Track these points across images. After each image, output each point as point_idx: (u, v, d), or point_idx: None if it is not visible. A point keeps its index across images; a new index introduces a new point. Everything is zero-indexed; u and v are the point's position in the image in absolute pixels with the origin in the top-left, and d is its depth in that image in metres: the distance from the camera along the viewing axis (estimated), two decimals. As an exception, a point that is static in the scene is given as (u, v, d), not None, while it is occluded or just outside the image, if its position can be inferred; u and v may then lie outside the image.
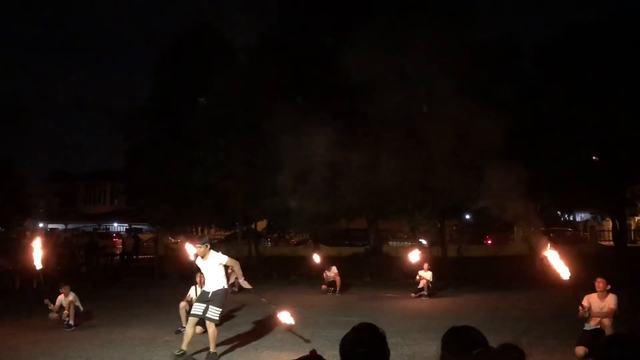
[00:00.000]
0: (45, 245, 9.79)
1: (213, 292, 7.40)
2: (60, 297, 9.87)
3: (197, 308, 7.46)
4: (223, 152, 18.99)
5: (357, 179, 17.32)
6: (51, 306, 9.77)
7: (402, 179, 17.09)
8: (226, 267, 7.80)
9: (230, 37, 21.37)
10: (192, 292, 9.42)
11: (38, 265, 9.78)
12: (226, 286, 7.70)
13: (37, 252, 9.69)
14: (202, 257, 7.48)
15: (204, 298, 7.49)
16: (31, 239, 10.93)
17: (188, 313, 9.02)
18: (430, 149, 16.50)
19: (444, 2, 17.29)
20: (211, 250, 7.54)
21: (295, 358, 2.19)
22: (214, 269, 7.50)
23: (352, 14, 17.39)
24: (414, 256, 14.88)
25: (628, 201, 20.47)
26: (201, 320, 7.62)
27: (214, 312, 7.30)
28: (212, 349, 7.32)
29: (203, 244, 7.55)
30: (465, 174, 16.29)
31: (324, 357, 2.25)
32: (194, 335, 7.47)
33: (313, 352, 2.22)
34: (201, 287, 8.50)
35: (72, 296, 9.86)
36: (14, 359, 7.37)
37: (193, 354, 7.39)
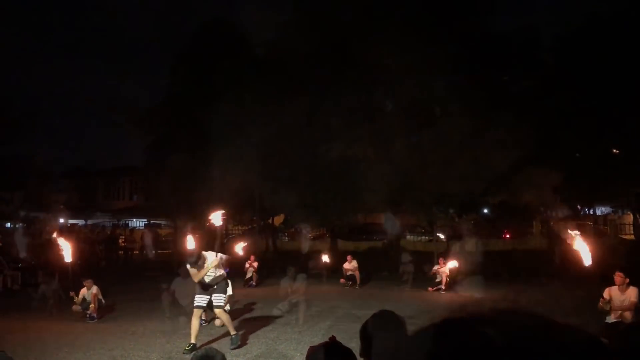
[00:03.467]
0: (69, 240, 10.02)
1: (216, 284, 7.62)
2: (83, 291, 10.04)
3: (201, 300, 7.55)
4: (241, 148, 19.07)
5: (374, 173, 17.29)
6: (76, 298, 9.94)
7: (419, 173, 17.03)
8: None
9: (248, 32, 21.42)
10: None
11: (68, 258, 9.97)
12: (225, 272, 7.92)
13: (67, 246, 9.91)
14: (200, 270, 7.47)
15: (206, 290, 7.58)
16: (53, 234, 11.11)
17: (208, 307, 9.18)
18: (447, 142, 16.43)
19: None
20: (206, 257, 7.53)
21: (314, 344, 2.22)
22: (213, 271, 7.62)
23: (370, 7, 17.31)
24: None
25: (649, 194, 20.13)
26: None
27: (219, 299, 7.53)
28: (232, 332, 7.56)
29: (194, 262, 7.42)
30: (483, 167, 16.20)
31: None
32: (199, 327, 7.61)
33: (332, 338, 2.25)
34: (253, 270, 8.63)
35: (95, 289, 10.03)
36: (40, 350, 7.52)
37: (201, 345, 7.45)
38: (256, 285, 15.11)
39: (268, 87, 18.98)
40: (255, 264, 15.65)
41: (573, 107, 16.75)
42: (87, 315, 9.76)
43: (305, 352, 2.38)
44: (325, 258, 16.54)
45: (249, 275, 15.34)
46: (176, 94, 21.34)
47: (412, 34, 15.84)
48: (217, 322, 9.00)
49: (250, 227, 27.44)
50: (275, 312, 8.83)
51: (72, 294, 9.98)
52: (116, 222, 31.01)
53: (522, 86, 18.33)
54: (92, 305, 9.81)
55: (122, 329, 8.92)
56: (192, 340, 7.33)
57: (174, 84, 22.10)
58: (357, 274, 14.88)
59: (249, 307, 11.13)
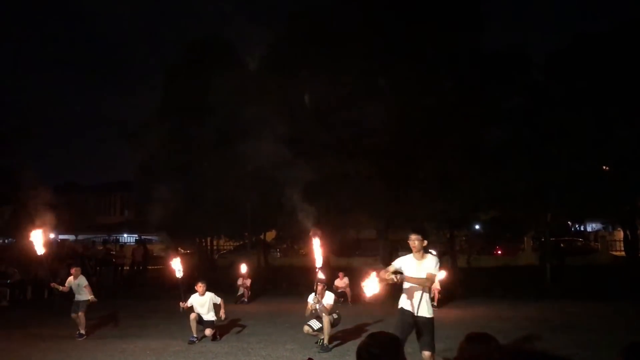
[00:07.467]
0: (56, 255, 9.85)
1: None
2: (70, 279, 9.86)
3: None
4: (232, 163, 19.04)
5: (366, 190, 17.29)
6: (60, 287, 9.79)
7: (411, 189, 17.09)
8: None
9: (241, 48, 21.56)
10: (192, 300, 9.46)
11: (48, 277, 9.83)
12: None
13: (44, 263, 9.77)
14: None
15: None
16: (42, 249, 10.94)
17: (199, 323, 9.13)
18: (439, 159, 16.52)
19: (454, 12, 17.35)
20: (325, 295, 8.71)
21: None
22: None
23: (358, 24, 17.44)
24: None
25: (639, 211, 20.26)
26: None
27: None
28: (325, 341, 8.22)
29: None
30: (475, 183, 16.29)
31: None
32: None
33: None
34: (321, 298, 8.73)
35: (81, 279, 9.87)
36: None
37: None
38: (248, 302, 15.02)
39: (258, 103, 19.02)
40: (248, 281, 15.58)
41: (563, 124, 16.93)
42: (77, 333, 9.64)
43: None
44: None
45: (240, 291, 15.26)
46: (168, 109, 21.35)
47: (403, 51, 16.01)
48: (207, 332, 9.15)
49: (241, 243, 27.33)
50: (306, 328, 8.77)
51: (53, 285, 9.83)
52: (107, 238, 30.76)
53: (512, 103, 18.52)
54: (92, 297, 9.77)
55: (112, 347, 8.81)
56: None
57: (165, 99, 22.12)
58: (348, 291, 14.82)
59: (240, 324, 11.05)
